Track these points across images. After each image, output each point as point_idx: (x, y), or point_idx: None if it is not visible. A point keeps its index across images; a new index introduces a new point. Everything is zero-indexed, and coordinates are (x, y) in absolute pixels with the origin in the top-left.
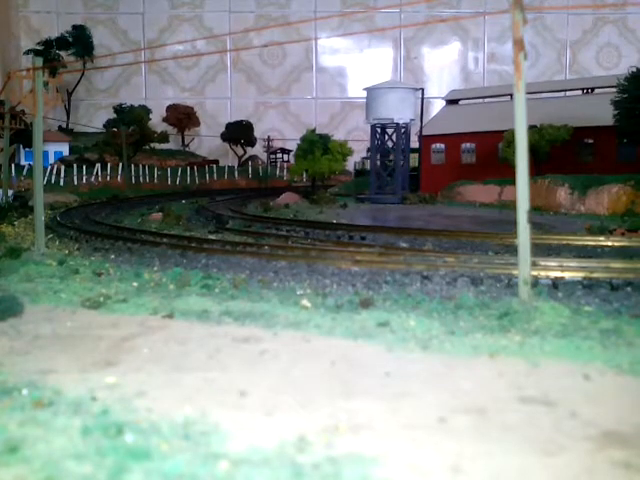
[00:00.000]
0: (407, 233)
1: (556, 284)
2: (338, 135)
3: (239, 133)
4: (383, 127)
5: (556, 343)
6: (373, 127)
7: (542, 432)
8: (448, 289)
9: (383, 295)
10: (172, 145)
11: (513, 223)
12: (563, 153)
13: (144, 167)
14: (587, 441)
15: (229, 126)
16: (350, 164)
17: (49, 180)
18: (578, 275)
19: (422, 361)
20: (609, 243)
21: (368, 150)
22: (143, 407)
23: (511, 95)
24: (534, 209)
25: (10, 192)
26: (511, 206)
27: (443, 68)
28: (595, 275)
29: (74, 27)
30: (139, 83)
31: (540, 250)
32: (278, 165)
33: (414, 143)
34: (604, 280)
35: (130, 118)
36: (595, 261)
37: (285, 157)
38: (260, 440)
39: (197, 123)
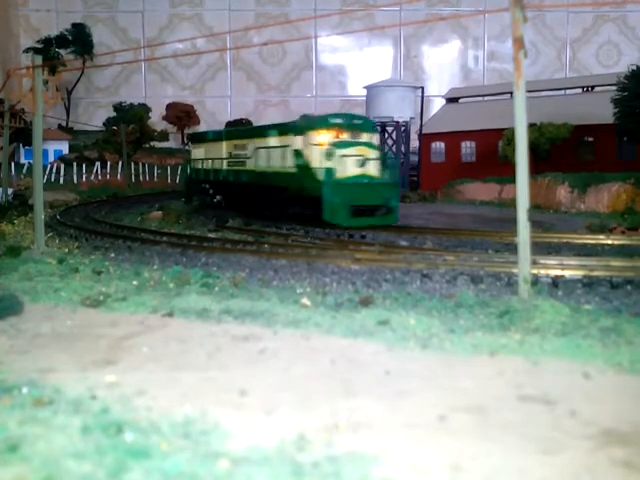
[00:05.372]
0: (407, 231)
1: (556, 282)
2: None
3: None
4: (383, 125)
5: (556, 341)
6: None
7: (542, 431)
8: (448, 287)
9: (383, 293)
10: (172, 143)
11: (513, 221)
12: (563, 151)
13: (144, 165)
14: (587, 440)
15: (229, 124)
16: None
17: (49, 178)
18: (578, 273)
19: (422, 359)
20: (609, 241)
21: None
22: (143, 406)
23: (511, 93)
24: (534, 207)
25: (10, 190)
26: (511, 204)
27: (443, 66)
28: (595, 273)
29: (74, 25)
30: (139, 81)
31: (540, 248)
32: None
33: (414, 141)
34: (604, 278)
35: (130, 116)
36: (595, 259)
37: None
38: (260, 439)
39: (197, 121)
